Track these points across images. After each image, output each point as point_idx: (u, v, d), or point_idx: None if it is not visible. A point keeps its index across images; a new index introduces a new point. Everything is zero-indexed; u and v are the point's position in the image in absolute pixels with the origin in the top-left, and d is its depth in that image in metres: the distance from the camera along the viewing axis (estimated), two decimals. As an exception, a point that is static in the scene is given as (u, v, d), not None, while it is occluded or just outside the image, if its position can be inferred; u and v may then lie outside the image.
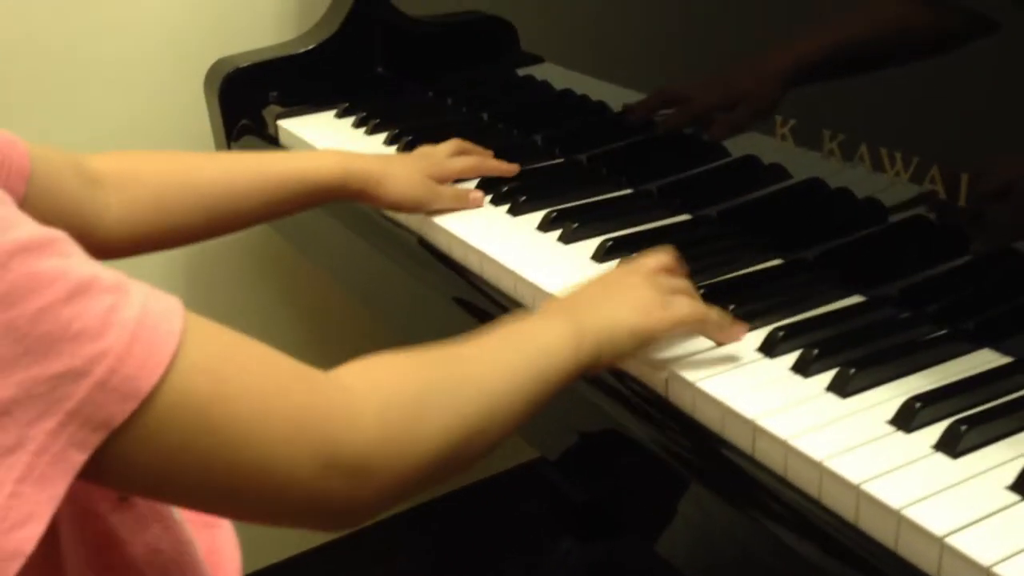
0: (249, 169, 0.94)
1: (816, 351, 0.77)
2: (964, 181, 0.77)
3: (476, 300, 0.98)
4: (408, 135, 1.25)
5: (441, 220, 1.05)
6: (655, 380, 0.80)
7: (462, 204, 1.06)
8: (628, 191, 1.10)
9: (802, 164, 0.91)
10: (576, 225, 1.00)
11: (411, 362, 0.64)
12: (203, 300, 1.56)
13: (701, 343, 0.81)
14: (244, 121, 1.40)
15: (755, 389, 0.75)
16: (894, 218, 0.85)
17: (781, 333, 0.80)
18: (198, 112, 1.44)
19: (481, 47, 1.34)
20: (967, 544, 0.60)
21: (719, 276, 0.91)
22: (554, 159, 1.20)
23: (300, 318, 1.65)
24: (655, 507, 0.83)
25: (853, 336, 0.81)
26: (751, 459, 0.73)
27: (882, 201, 0.85)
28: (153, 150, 1.01)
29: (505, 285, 0.96)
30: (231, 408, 0.52)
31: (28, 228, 0.48)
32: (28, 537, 0.47)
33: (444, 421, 0.61)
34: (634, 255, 0.87)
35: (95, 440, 0.48)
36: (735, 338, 0.80)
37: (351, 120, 1.34)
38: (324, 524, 0.60)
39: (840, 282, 0.88)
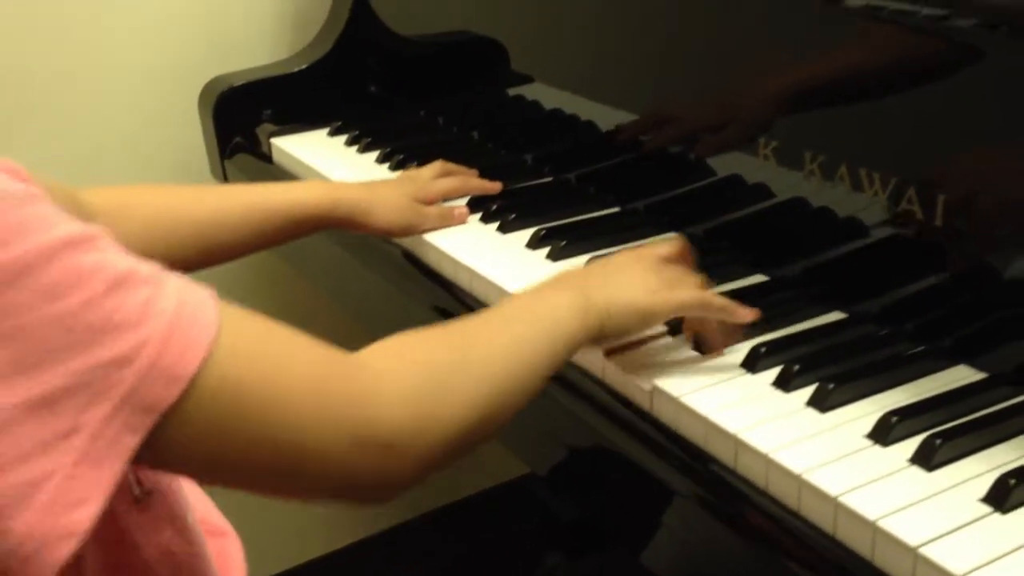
0: (239, 202, 0.97)
1: (797, 367, 0.79)
2: (940, 201, 0.79)
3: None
4: (400, 153, 1.27)
5: (431, 237, 1.07)
6: (640, 394, 0.82)
7: (448, 222, 1.09)
8: (616, 209, 1.12)
9: (785, 184, 0.93)
10: (564, 243, 1.02)
11: (432, 341, 0.68)
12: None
13: (686, 358, 0.83)
14: (238, 139, 1.42)
15: (737, 404, 0.77)
16: (873, 237, 0.87)
17: (763, 349, 0.81)
18: (192, 130, 1.46)
19: (472, 67, 1.36)
20: (940, 554, 0.62)
21: (703, 293, 0.92)
22: (543, 177, 1.22)
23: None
24: (640, 520, 0.84)
25: (833, 352, 0.83)
26: (733, 472, 0.74)
27: (861, 220, 0.87)
28: (145, 184, 1.02)
29: (494, 301, 0.98)
30: (267, 391, 0.55)
31: (69, 225, 0.51)
32: (84, 518, 0.49)
33: (466, 396, 0.64)
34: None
35: (146, 424, 0.51)
36: (744, 319, 0.81)
37: (344, 138, 1.36)
38: (358, 499, 0.62)
39: (821, 299, 0.90)
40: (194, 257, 0.93)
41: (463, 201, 1.13)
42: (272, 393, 0.55)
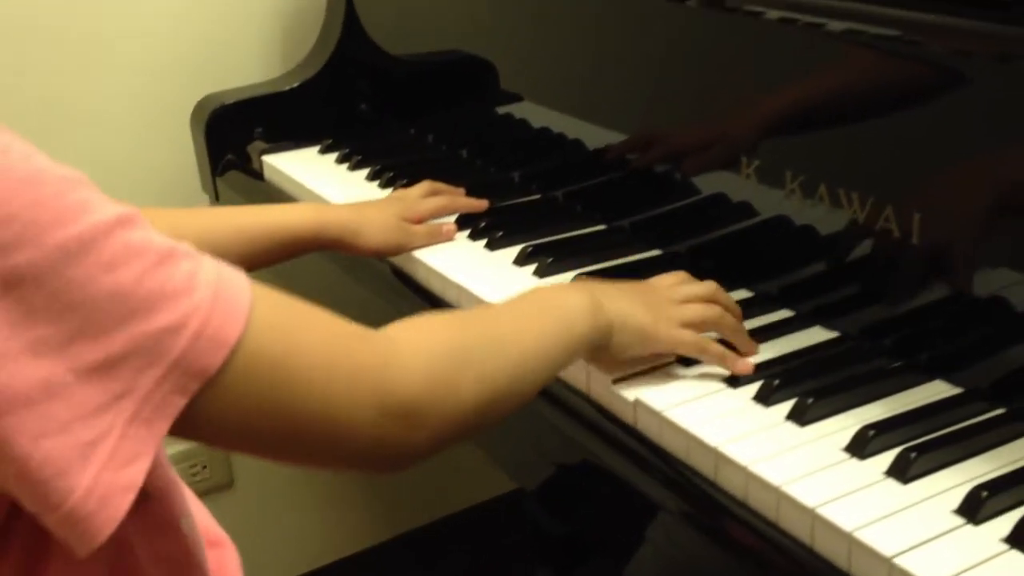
0: (228, 225, 0.99)
1: (777, 382, 0.80)
2: (916, 220, 0.81)
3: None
4: (390, 171, 1.29)
5: (421, 254, 1.08)
6: (624, 408, 0.83)
7: (436, 239, 1.11)
8: (602, 227, 1.14)
9: (767, 202, 0.95)
10: (551, 259, 1.03)
11: (452, 321, 0.71)
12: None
13: (670, 374, 0.85)
14: (229, 156, 1.43)
15: (718, 418, 0.79)
16: (852, 255, 0.88)
17: (744, 364, 0.83)
18: (184, 147, 1.47)
19: (461, 86, 1.38)
20: (915, 564, 0.64)
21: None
22: (531, 195, 1.24)
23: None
24: (626, 534, 0.86)
25: (813, 367, 0.84)
26: (714, 484, 0.76)
27: (841, 239, 0.89)
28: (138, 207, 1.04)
29: (481, 317, 0.99)
30: (299, 361, 0.58)
31: (115, 206, 0.54)
32: (138, 473, 0.52)
33: (482, 374, 0.67)
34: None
35: (193, 387, 0.54)
36: (740, 372, 0.83)
37: (334, 156, 1.38)
38: (380, 467, 0.64)
39: (802, 315, 0.92)
40: None
41: (452, 219, 1.14)
42: (303, 362, 0.58)
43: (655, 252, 1.07)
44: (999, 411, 0.78)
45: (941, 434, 0.74)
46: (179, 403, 0.53)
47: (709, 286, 0.88)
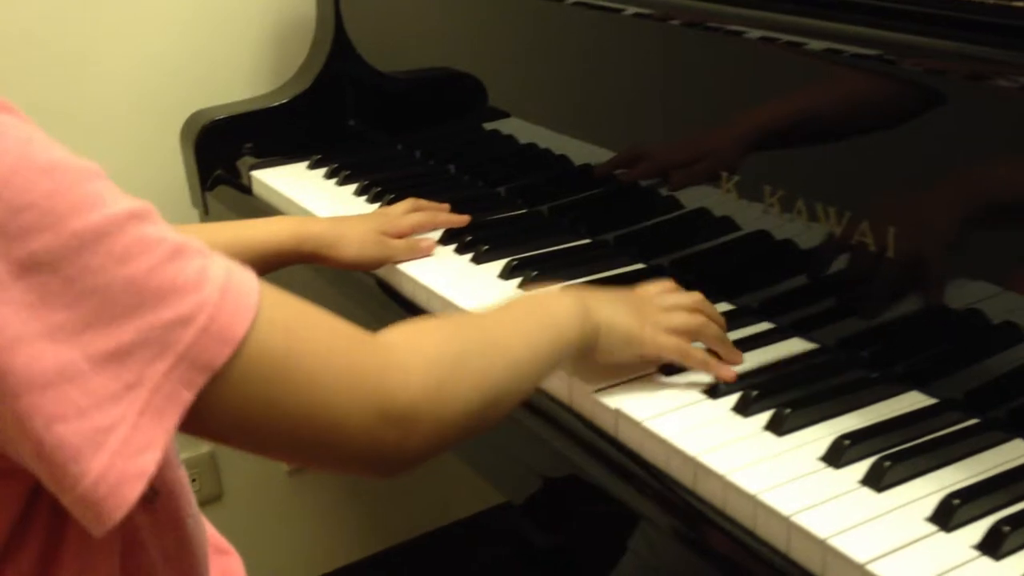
0: (209, 242, 0.99)
1: (756, 392, 0.82)
2: (891, 234, 0.83)
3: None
4: (377, 186, 1.30)
5: (406, 268, 1.10)
6: (606, 418, 0.84)
7: (415, 254, 1.12)
8: (586, 241, 1.15)
9: (748, 217, 0.96)
10: (535, 273, 1.05)
11: (450, 328, 0.72)
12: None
13: (652, 384, 0.86)
14: (218, 171, 1.44)
15: (698, 428, 0.80)
16: (830, 268, 0.90)
17: (724, 376, 0.85)
18: (174, 162, 1.48)
19: (450, 102, 1.40)
20: (887, 571, 0.65)
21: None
22: (517, 210, 1.25)
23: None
24: (609, 544, 0.87)
25: (791, 378, 0.86)
26: (693, 493, 0.77)
27: (819, 253, 0.90)
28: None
29: (466, 330, 1.00)
30: (302, 361, 0.59)
31: (130, 200, 0.55)
32: (149, 462, 0.53)
33: (477, 381, 0.68)
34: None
35: (200, 380, 0.55)
36: (723, 378, 0.85)
37: (323, 171, 1.39)
38: (375, 469, 0.66)
39: (781, 327, 0.94)
40: None
41: (436, 235, 1.16)
42: (306, 362, 0.59)
43: (639, 265, 1.09)
44: (973, 421, 0.79)
45: (915, 443, 0.76)
46: (187, 397, 0.54)
47: (694, 296, 0.90)
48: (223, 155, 1.45)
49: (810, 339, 0.92)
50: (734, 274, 1.00)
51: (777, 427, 0.79)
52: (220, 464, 1.70)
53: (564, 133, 1.19)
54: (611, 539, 0.86)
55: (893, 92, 0.86)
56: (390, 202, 1.25)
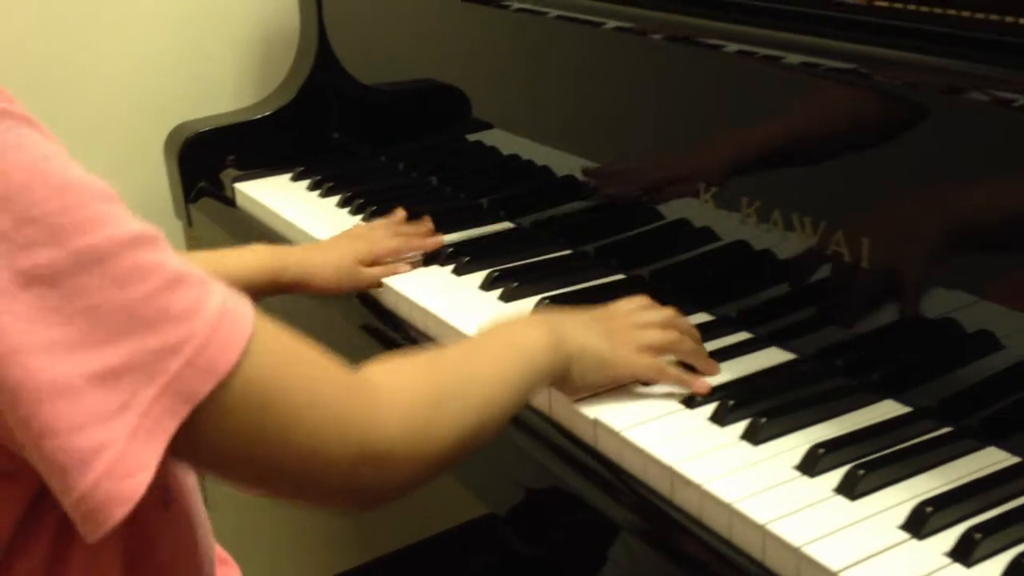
0: None
1: (732, 402, 0.82)
2: (865, 244, 0.83)
3: (420, 355, 1.03)
4: (360, 198, 1.31)
5: (388, 279, 1.10)
6: (585, 429, 0.85)
7: (392, 274, 1.12)
8: (567, 252, 1.16)
9: (726, 228, 0.97)
10: (516, 284, 1.05)
11: (429, 368, 0.73)
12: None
13: (630, 394, 0.86)
14: (202, 184, 1.45)
15: (675, 437, 0.81)
16: (806, 279, 0.91)
17: (701, 385, 0.85)
18: (157, 175, 1.49)
19: (433, 114, 1.41)
20: (860, 578, 0.66)
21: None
22: (499, 221, 1.26)
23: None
24: (590, 554, 0.87)
25: (767, 388, 0.86)
26: (670, 503, 0.78)
27: (795, 263, 0.91)
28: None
29: (447, 341, 1.01)
30: (288, 397, 0.60)
31: (136, 224, 0.56)
32: (135, 487, 0.54)
33: (455, 419, 0.69)
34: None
35: (184, 410, 0.55)
36: (699, 392, 0.85)
37: (306, 183, 1.39)
38: (351, 506, 0.67)
39: (758, 337, 0.94)
40: None
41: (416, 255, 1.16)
42: (292, 399, 0.60)
43: (619, 276, 1.09)
44: (946, 429, 0.80)
45: (889, 452, 0.77)
46: (171, 425, 0.55)
47: (667, 311, 0.90)
48: (207, 167, 1.46)
49: (786, 348, 0.92)
50: (713, 284, 1.01)
51: (753, 436, 0.79)
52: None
53: (546, 145, 1.20)
54: (592, 549, 0.87)
55: (868, 105, 0.87)
56: (373, 214, 1.26)
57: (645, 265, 1.08)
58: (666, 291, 1.03)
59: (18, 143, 0.55)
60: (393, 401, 0.66)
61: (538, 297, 1.04)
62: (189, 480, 0.70)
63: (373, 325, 1.10)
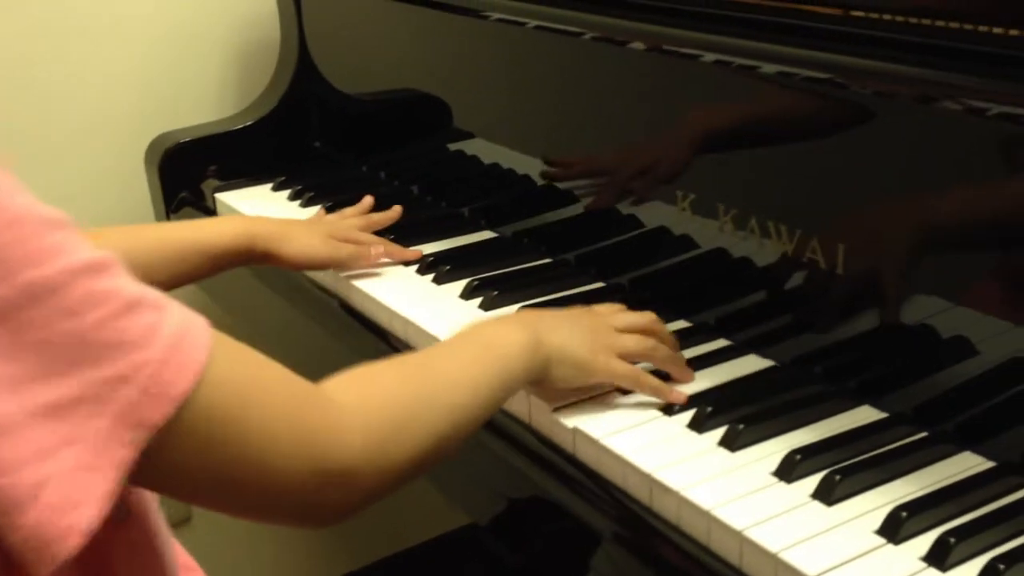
0: (163, 240, 1.02)
1: (710, 409, 0.83)
2: (840, 251, 0.84)
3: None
4: (342, 207, 1.30)
5: (368, 288, 1.10)
6: (564, 437, 0.85)
7: (363, 260, 1.13)
8: (547, 260, 1.16)
9: (704, 236, 0.98)
10: (496, 293, 1.06)
11: (395, 376, 0.72)
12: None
13: (609, 402, 0.87)
14: (183, 194, 1.45)
15: (654, 444, 0.81)
16: (783, 286, 0.91)
17: (679, 393, 0.86)
18: (139, 184, 1.49)
19: (414, 123, 1.41)
20: (837, 583, 0.66)
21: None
22: (479, 230, 1.26)
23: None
24: (571, 562, 0.88)
25: (744, 394, 0.87)
26: (649, 510, 0.78)
27: (772, 270, 0.92)
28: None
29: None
30: (249, 416, 0.59)
31: (88, 251, 0.55)
32: (83, 520, 0.53)
33: (421, 433, 0.69)
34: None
35: (139, 439, 0.54)
36: (675, 401, 0.85)
37: (287, 193, 1.39)
38: (314, 523, 0.67)
39: (736, 344, 0.95)
40: None
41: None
42: (253, 423, 0.60)
43: (598, 284, 1.10)
44: (922, 434, 0.81)
45: (865, 457, 0.77)
46: (125, 454, 0.54)
47: (647, 316, 0.91)
48: (188, 177, 1.45)
49: (764, 355, 0.93)
50: (691, 292, 1.02)
51: (731, 443, 0.80)
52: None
53: (527, 154, 1.20)
54: (574, 557, 0.87)
55: (843, 113, 0.87)
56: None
57: (624, 273, 1.08)
58: (645, 299, 1.04)
59: None
60: (355, 416, 0.65)
61: (518, 306, 1.04)
62: (148, 496, 0.69)
63: (352, 333, 1.10)
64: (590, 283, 1.10)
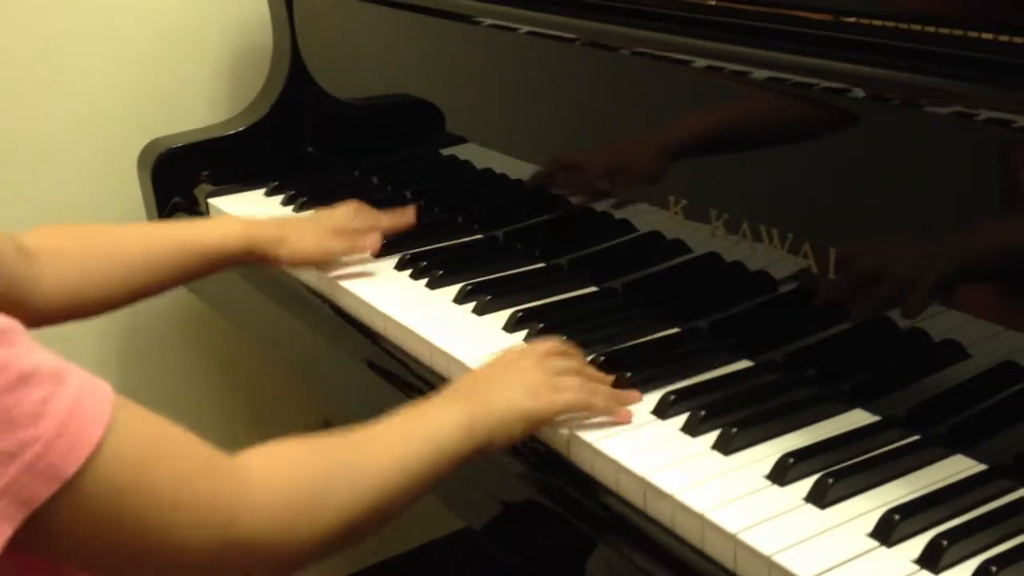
0: (164, 240, 1.03)
1: (703, 412, 0.83)
2: (832, 255, 0.85)
3: (393, 368, 1.03)
4: (334, 212, 1.31)
5: (361, 291, 1.11)
6: (557, 441, 0.86)
7: (357, 248, 1.15)
8: (541, 265, 1.17)
9: (697, 240, 0.98)
10: (489, 297, 1.06)
11: (310, 452, 0.71)
12: (135, 371, 1.59)
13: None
14: (176, 199, 1.45)
15: (647, 449, 0.81)
16: (775, 289, 0.92)
17: (672, 397, 0.86)
18: (132, 190, 1.48)
19: (407, 128, 1.41)
20: (830, 586, 0.66)
21: (618, 345, 0.97)
22: (473, 235, 1.26)
23: (234, 386, 1.69)
24: (566, 565, 0.88)
25: (738, 398, 0.87)
26: (643, 513, 0.78)
27: (764, 274, 0.92)
28: (78, 224, 1.07)
29: (421, 354, 1.01)
30: (150, 487, 0.59)
31: None
32: None
33: (339, 505, 0.69)
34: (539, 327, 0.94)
35: (20, 515, 0.54)
36: (624, 419, 0.85)
37: (280, 198, 1.39)
38: None
39: (728, 348, 0.95)
40: (122, 293, 0.98)
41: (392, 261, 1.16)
42: (149, 498, 0.59)
43: (592, 288, 1.10)
44: (914, 438, 0.81)
45: (858, 460, 0.78)
46: (5, 529, 0.54)
47: (574, 357, 0.89)
48: (181, 183, 1.45)
49: (756, 360, 0.93)
50: (684, 296, 1.02)
51: (724, 446, 0.80)
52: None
53: (520, 159, 1.20)
54: (570, 561, 0.87)
55: (834, 118, 0.88)
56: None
57: (617, 277, 1.09)
58: (639, 303, 1.05)
59: None
60: (264, 490, 0.65)
61: (511, 310, 1.04)
62: None
63: (346, 338, 1.10)
64: (583, 287, 1.10)
